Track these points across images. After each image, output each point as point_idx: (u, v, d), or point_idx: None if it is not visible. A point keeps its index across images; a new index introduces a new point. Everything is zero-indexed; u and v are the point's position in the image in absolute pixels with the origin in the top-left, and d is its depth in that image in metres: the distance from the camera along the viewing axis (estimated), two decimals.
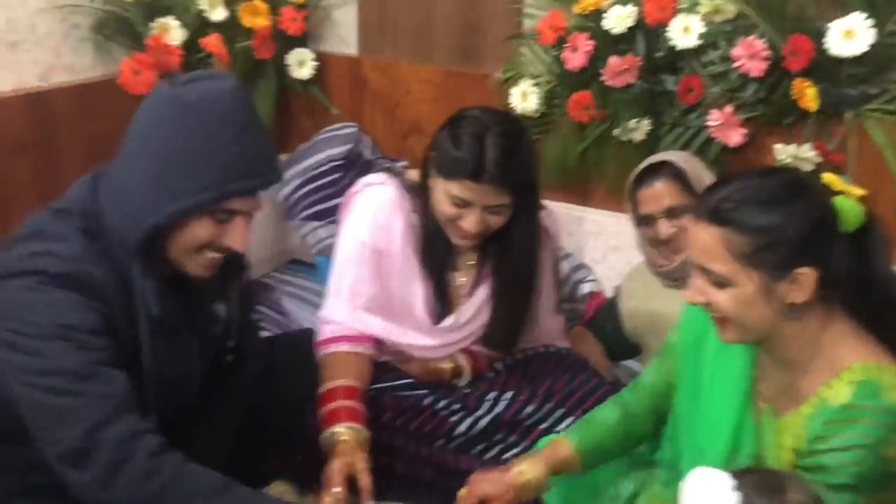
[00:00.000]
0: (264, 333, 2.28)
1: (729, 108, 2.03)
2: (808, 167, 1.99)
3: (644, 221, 1.86)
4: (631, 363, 2.08)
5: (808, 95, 1.91)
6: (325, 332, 1.79)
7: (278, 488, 1.74)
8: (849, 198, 1.19)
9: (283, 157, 2.69)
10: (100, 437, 1.18)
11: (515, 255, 1.75)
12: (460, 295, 1.81)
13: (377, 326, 1.78)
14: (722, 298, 1.18)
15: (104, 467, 1.18)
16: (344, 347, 1.75)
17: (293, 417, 1.73)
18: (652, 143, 2.16)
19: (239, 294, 1.51)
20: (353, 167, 2.50)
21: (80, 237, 1.28)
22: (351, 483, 1.53)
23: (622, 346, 2.06)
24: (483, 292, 1.80)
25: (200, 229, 1.28)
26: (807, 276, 1.15)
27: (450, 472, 1.72)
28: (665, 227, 1.82)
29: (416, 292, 1.78)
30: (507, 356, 1.87)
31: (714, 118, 2.04)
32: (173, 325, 1.36)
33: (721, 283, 1.18)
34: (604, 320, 2.13)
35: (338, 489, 1.50)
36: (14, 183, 1.93)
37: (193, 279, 1.35)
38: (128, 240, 1.27)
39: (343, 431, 1.59)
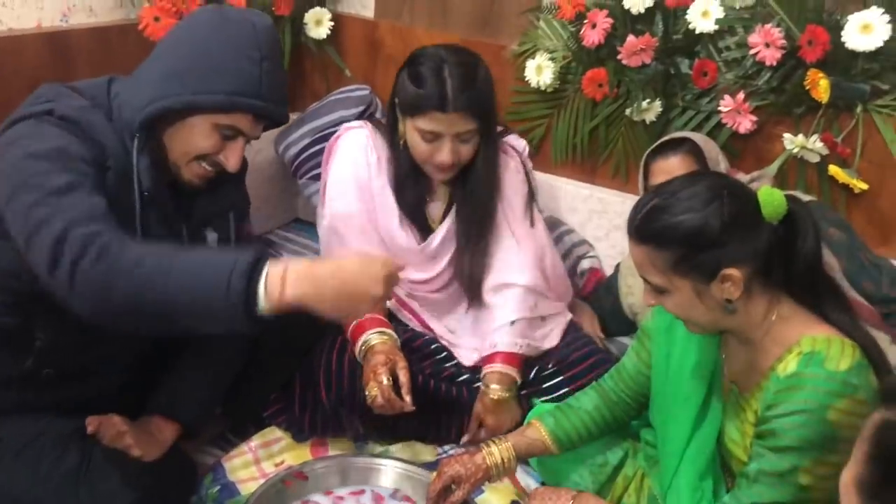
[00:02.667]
0: None
1: (741, 95, 2.04)
2: (814, 159, 2.01)
3: None
4: (625, 339, 2.11)
5: (820, 87, 1.93)
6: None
7: (274, 433, 1.78)
8: (770, 189, 1.24)
9: (294, 116, 2.69)
10: (68, 237, 1.19)
11: (476, 180, 1.82)
12: (436, 221, 1.89)
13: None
14: (666, 303, 1.29)
15: (69, 265, 1.18)
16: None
17: (294, 365, 1.77)
18: (663, 124, 2.18)
19: (236, 233, 1.56)
20: None
21: (88, 104, 1.36)
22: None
23: (619, 322, 2.10)
24: (454, 219, 1.87)
25: (203, 138, 1.37)
26: (734, 275, 1.22)
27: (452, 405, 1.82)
28: None
29: (397, 223, 1.86)
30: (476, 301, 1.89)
31: (726, 104, 2.06)
32: (165, 209, 1.42)
33: (659, 290, 1.27)
34: (602, 296, 2.17)
35: (384, 379, 1.57)
36: None
37: (186, 187, 1.43)
38: (133, 118, 1.34)
39: (377, 336, 1.68)
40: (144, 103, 1.33)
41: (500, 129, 1.91)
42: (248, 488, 1.62)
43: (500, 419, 1.78)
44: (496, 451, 1.51)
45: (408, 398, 1.59)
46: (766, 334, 1.28)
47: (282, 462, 1.72)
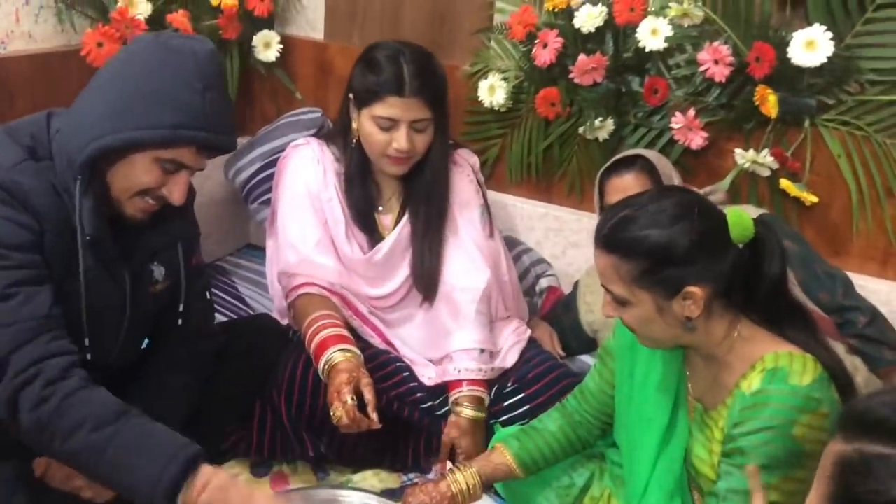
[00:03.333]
0: (220, 318, 2.27)
1: (692, 112, 2.07)
2: (765, 173, 2.04)
3: None
4: (586, 357, 2.11)
5: (769, 102, 1.96)
6: (289, 284, 1.82)
7: (233, 469, 1.73)
8: (738, 211, 1.26)
9: (244, 140, 2.65)
10: (10, 361, 1.21)
11: (429, 175, 1.83)
12: (387, 231, 1.88)
13: (331, 269, 1.82)
14: (625, 316, 1.28)
15: (10, 392, 1.20)
16: (312, 290, 1.79)
17: (250, 398, 1.73)
18: (616, 142, 2.20)
19: (185, 264, 1.53)
20: None
21: (21, 151, 1.32)
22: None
23: (578, 340, 2.09)
24: (407, 225, 1.86)
25: (146, 173, 1.33)
26: (696, 294, 1.22)
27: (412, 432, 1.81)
28: None
29: (348, 233, 1.85)
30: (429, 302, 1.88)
31: (677, 120, 2.08)
32: (107, 252, 1.39)
33: (620, 302, 1.27)
34: (561, 314, 2.16)
35: (348, 398, 1.54)
36: None
37: (129, 222, 1.40)
38: (74, 158, 1.30)
39: (340, 354, 1.63)
40: (85, 143, 1.29)
41: (450, 142, 1.91)
42: None
43: (475, 441, 1.75)
44: (461, 478, 1.48)
45: (374, 415, 1.56)
46: (729, 352, 1.28)
47: None
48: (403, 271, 1.87)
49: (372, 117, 1.73)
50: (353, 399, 1.54)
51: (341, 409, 1.53)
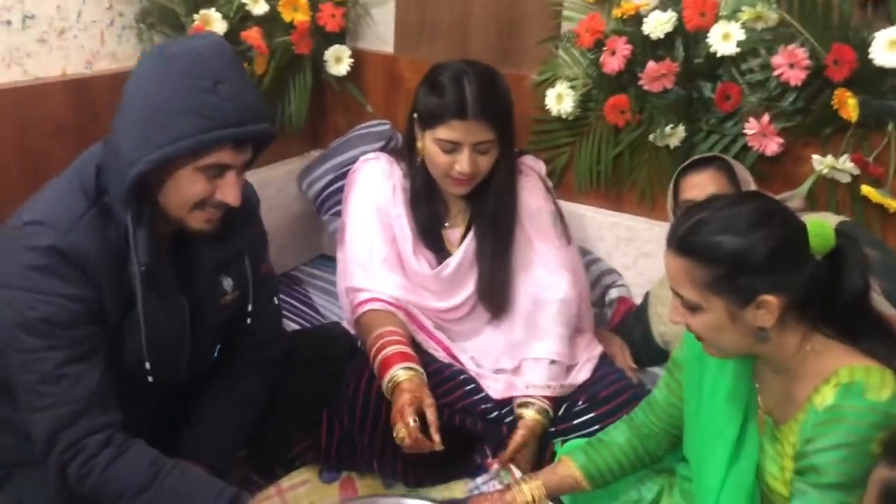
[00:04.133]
0: (293, 326, 2.33)
1: (766, 117, 2.01)
2: (845, 179, 1.97)
3: (682, 209, 1.84)
4: (657, 370, 2.06)
5: (849, 106, 1.89)
6: (357, 298, 1.84)
7: (301, 475, 1.75)
8: (820, 221, 1.21)
9: (316, 153, 2.71)
10: (56, 440, 1.31)
11: (494, 194, 1.81)
12: (454, 246, 1.88)
13: (397, 284, 1.84)
14: (694, 322, 1.25)
15: (58, 467, 1.32)
16: (377, 306, 1.81)
17: (318, 406, 1.76)
18: (687, 149, 2.15)
19: (253, 273, 1.55)
20: None
21: (84, 201, 1.34)
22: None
23: (650, 352, 2.05)
24: (473, 240, 1.85)
25: (192, 185, 1.32)
26: (771, 303, 1.18)
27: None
28: None
29: (415, 249, 1.85)
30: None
31: (751, 126, 2.03)
32: (165, 282, 1.41)
33: (691, 307, 1.23)
34: (632, 326, 2.12)
35: (410, 420, 1.54)
36: (56, 165, 1.93)
37: (196, 236, 1.41)
38: (119, 191, 1.31)
39: (404, 373, 1.64)
40: (123, 173, 1.29)
41: (516, 150, 1.90)
42: None
43: (534, 448, 1.74)
44: (526, 489, 1.47)
45: (436, 437, 1.56)
46: (801, 364, 1.24)
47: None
48: (471, 285, 1.87)
49: (435, 139, 1.73)
50: (415, 421, 1.55)
51: (404, 431, 1.54)
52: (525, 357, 1.82)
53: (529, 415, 1.74)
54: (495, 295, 1.84)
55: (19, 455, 1.40)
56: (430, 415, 1.57)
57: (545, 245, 1.87)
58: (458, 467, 1.80)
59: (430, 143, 1.75)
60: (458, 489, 1.77)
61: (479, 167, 1.74)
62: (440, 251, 1.88)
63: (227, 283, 1.53)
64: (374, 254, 1.84)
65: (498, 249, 1.83)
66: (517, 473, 1.69)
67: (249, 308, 1.55)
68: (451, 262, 1.85)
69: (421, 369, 1.67)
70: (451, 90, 1.70)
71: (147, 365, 1.39)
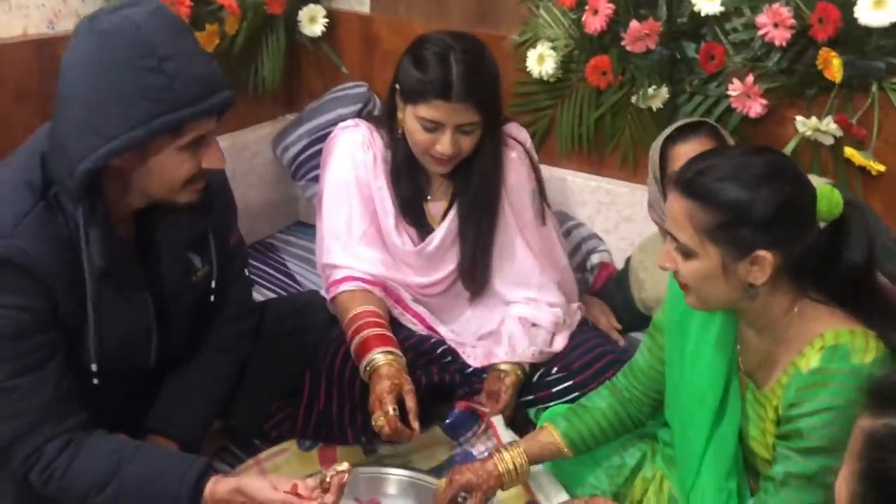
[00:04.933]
0: (269, 295, 2.29)
1: (750, 78, 1.98)
2: (828, 141, 1.95)
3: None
4: (639, 335, 2.05)
5: (833, 66, 1.86)
6: (333, 276, 1.80)
7: (280, 445, 1.73)
8: (831, 188, 1.19)
9: (291, 117, 2.65)
10: (14, 450, 1.28)
11: (479, 172, 1.75)
12: (437, 221, 1.83)
13: (376, 259, 1.80)
14: (685, 268, 1.21)
15: (21, 474, 1.30)
16: (353, 285, 1.77)
17: (296, 377, 1.73)
18: (670, 111, 2.12)
19: (223, 245, 1.50)
20: None
21: (30, 196, 1.24)
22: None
23: (631, 317, 2.04)
24: (456, 217, 1.81)
25: (182, 165, 1.25)
26: (766, 260, 1.16)
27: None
28: None
29: (396, 223, 1.80)
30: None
31: (735, 88, 1.99)
32: (123, 278, 1.34)
33: (686, 253, 1.20)
34: (613, 291, 2.11)
35: (390, 408, 1.51)
36: (17, 128, 1.87)
37: (179, 208, 1.33)
38: (68, 186, 1.21)
39: (382, 357, 1.60)
40: (71, 168, 1.19)
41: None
42: None
43: (513, 397, 1.74)
44: (508, 458, 1.46)
45: (415, 424, 1.53)
46: (787, 328, 1.22)
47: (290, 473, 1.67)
48: (452, 261, 1.84)
49: (416, 116, 1.66)
50: (395, 409, 1.52)
51: (383, 419, 1.52)
52: (505, 318, 1.80)
53: (503, 367, 1.75)
54: (476, 277, 1.82)
55: None
56: (410, 401, 1.54)
57: (526, 231, 1.84)
58: (430, 417, 1.77)
59: (410, 119, 1.68)
60: (443, 451, 1.75)
61: (460, 148, 1.68)
62: (422, 226, 1.83)
63: (196, 259, 1.46)
64: (353, 229, 1.80)
65: (481, 231, 1.79)
66: (500, 428, 1.69)
67: (213, 284, 1.48)
68: (434, 239, 1.81)
69: (400, 353, 1.63)
70: (435, 68, 1.62)
71: (94, 367, 1.32)
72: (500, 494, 1.55)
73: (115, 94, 1.16)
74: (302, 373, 1.73)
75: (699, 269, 1.20)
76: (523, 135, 1.89)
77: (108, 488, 1.28)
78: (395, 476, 1.60)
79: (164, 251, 1.41)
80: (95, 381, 1.33)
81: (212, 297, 1.51)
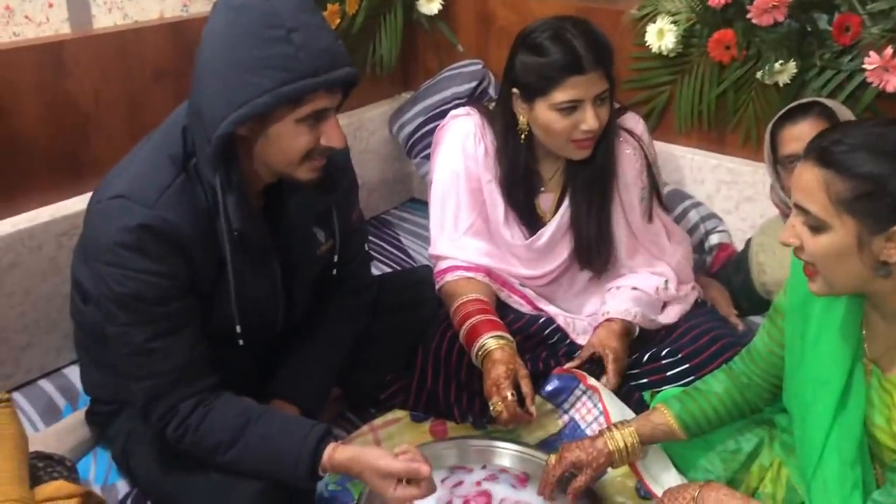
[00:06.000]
0: (384, 269, 2.34)
1: (889, 50, 1.86)
2: None
3: (784, 163, 1.76)
4: (758, 319, 1.98)
5: None
6: (439, 266, 1.83)
7: (394, 414, 1.78)
8: None
9: (407, 95, 2.69)
10: (152, 408, 1.37)
11: (595, 153, 1.71)
12: (547, 214, 1.81)
13: (482, 251, 1.80)
14: (814, 243, 1.15)
15: (157, 431, 1.40)
16: (458, 275, 1.78)
17: (409, 349, 1.77)
18: (797, 87, 2.03)
19: (343, 220, 1.55)
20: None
21: (171, 168, 1.33)
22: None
23: (751, 300, 1.98)
24: (568, 209, 1.78)
25: (298, 138, 1.29)
26: None
27: None
28: None
29: (507, 217, 1.79)
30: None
31: (871, 61, 1.88)
32: (256, 245, 1.41)
33: (816, 226, 1.14)
34: (732, 273, 2.04)
35: (508, 394, 1.53)
36: (156, 110, 2.00)
37: (303, 187, 1.38)
38: (208, 156, 1.28)
39: (494, 342, 1.62)
40: (206, 137, 1.26)
41: (616, 107, 1.80)
42: None
43: (624, 345, 1.71)
44: (619, 437, 1.45)
45: (532, 409, 1.55)
46: None
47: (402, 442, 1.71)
48: (563, 254, 1.81)
49: (551, 105, 1.61)
50: (513, 395, 1.53)
51: (501, 405, 1.53)
52: (609, 287, 1.80)
53: (617, 317, 1.73)
54: (597, 255, 1.79)
55: (127, 395, 1.46)
56: (525, 386, 1.55)
57: (628, 220, 1.81)
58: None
59: (544, 113, 1.64)
60: (553, 423, 1.75)
61: (602, 120, 1.65)
62: (532, 218, 1.81)
63: (321, 234, 1.52)
64: (460, 222, 1.80)
65: (597, 217, 1.76)
66: (605, 393, 1.66)
67: (336, 258, 1.55)
68: (545, 233, 1.79)
69: (510, 337, 1.64)
70: (558, 48, 1.59)
71: (238, 329, 1.41)
72: (609, 473, 1.55)
73: (244, 64, 1.21)
74: (415, 347, 1.77)
75: (830, 244, 1.14)
76: (640, 127, 1.83)
77: (235, 446, 1.36)
78: (506, 449, 1.61)
79: (291, 224, 1.47)
80: (241, 341, 1.42)
81: (334, 271, 1.56)
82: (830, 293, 1.22)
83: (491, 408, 1.55)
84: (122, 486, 1.61)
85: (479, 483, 1.55)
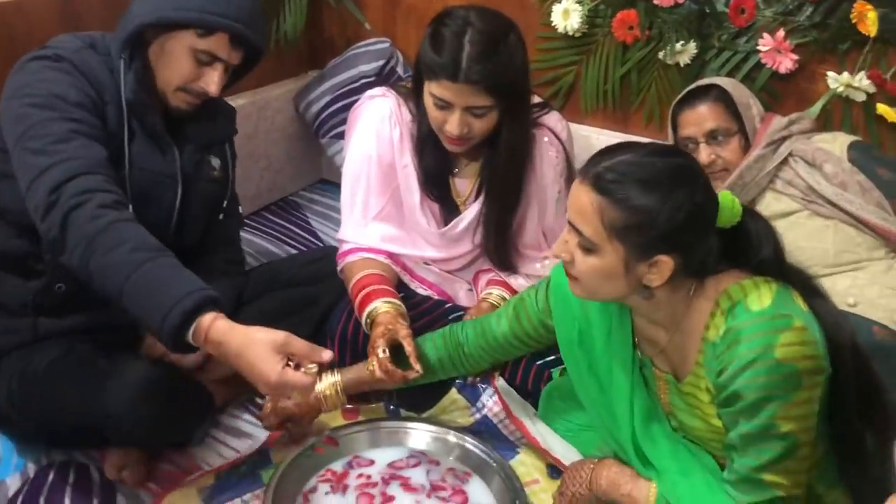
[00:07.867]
0: (291, 251, 2.30)
1: (781, 33, 1.93)
2: (860, 97, 1.90)
3: (684, 145, 1.81)
4: None
5: (868, 19, 1.81)
6: (341, 248, 1.82)
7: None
8: (728, 195, 1.20)
9: (314, 74, 2.64)
10: (66, 188, 1.31)
11: (506, 156, 1.71)
12: (464, 201, 1.81)
13: (388, 236, 1.79)
14: (584, 262, 1.21)
15: (65, 210, 1.30)
16: (361, 255, 1.77)
17: (314, 330, 1.76)
18: (697, 67, 2.08)
19: (233, 165, 1.72)
20: (386, 84, 2.43)
21: (81, 43, 1.50)
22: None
23: None
24: (483, 203, 1.78)
25: (182, 65, 1.48)
26: (665, 264, 1.17)
27: None
28: (706, 152, 1.80)
29: (420, 202, 1.79)
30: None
31: (765, 43, 1.95)
32: (153, 124, 1.52)
33: (588, 248, 1.20)
34: None
35: (380, 351, 1.53)
36: None
37: (175, 114, 1.55)
38: (120, 40, 1.47)
39: (380, 305, 1.62)
40: (129, 24, 1.46)
41: (538, 102, 1.79)
42: (280, 455, 1.59)
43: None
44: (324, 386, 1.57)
45: (417, 365, 1.53)
46: (685, 314, 1.23)
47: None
48: (474, 240, 1.82)
49: (429, 93, 1.63)
50: (384, 352, 1.53)
51: (374, 362, 1.53)
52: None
53: (490, 295, 1.77)
54: (503, 253, 1.81)
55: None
56: (407, 345, 1.54)
57: (541, 216, 1.83)
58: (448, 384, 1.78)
59: (426, 95, 1.64)
60: (464, 416, 1.76)
61: (472, 130, 1.64)
62: (446, 202, 1.80)
63: (215, 161, 1.65)
64: (369, 208, 1.79)
65: (505, 212, 1.77)
66: (501, 384, 1.69)
67: (229, 192, 1.68)
68: (461, 222, 1.79)
69: (398, 302, 1.64)
70: (448, 47, 1.57)
71: (129, 208, 1.37)
72: (523, 450, 1.56)
73: None
74: (320, 321, 1.76)
75: (600, 265, 1.19)
76: (561, 126, 1.81)
77: (145, 252, 1.28)
78: (417, 430, 1.62)
79: (189, 140, 1.60)
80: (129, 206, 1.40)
81: (221, 216, 1.68)
82: (591, 300, 1.30)
83: (366, 367, 1.55)
84: (13, 482, 1.54)
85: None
